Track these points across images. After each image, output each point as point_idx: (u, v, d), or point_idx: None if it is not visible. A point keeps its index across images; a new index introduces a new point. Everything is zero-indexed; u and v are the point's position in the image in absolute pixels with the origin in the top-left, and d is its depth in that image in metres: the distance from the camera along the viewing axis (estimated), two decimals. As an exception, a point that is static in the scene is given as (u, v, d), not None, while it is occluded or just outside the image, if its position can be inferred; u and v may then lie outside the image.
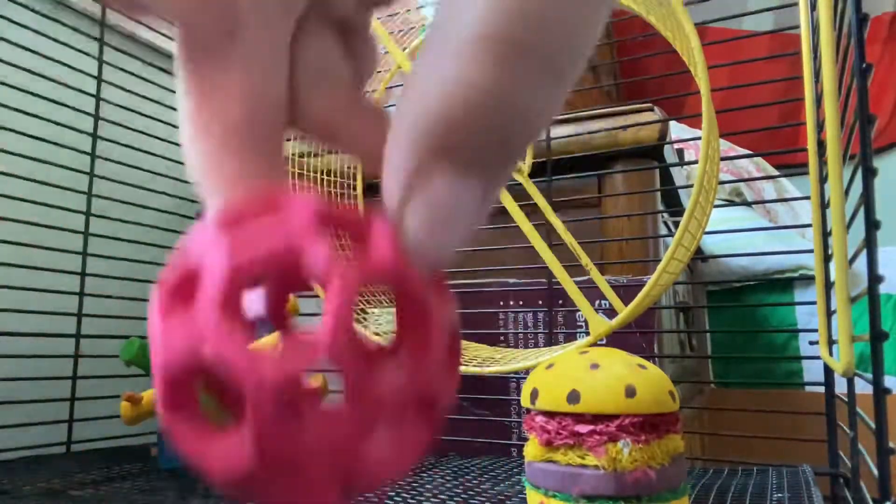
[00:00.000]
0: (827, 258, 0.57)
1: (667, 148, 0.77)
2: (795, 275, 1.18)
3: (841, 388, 0.60)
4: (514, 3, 0.11)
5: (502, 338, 0.74)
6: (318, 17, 0.14)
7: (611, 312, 0.68)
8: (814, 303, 0.59)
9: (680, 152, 0.94)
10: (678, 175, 0.88)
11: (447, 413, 0.12)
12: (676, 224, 0.97)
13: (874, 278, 0.45)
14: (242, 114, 0.13)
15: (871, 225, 0.46)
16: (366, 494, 0.10)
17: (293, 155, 0.76)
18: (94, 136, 0.79)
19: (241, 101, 0.13)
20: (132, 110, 0.84)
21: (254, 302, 0.12)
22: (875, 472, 0.46)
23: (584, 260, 0.61)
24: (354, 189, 0.83)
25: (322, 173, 0.79)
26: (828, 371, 0.63)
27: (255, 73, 0.13)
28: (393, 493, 0.54)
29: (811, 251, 0.59)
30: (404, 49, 0.76)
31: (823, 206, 0.58)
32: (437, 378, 0.12)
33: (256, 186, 0.13)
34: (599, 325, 0.57)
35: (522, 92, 0.11)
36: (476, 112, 0.11)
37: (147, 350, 0.66)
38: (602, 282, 0.61)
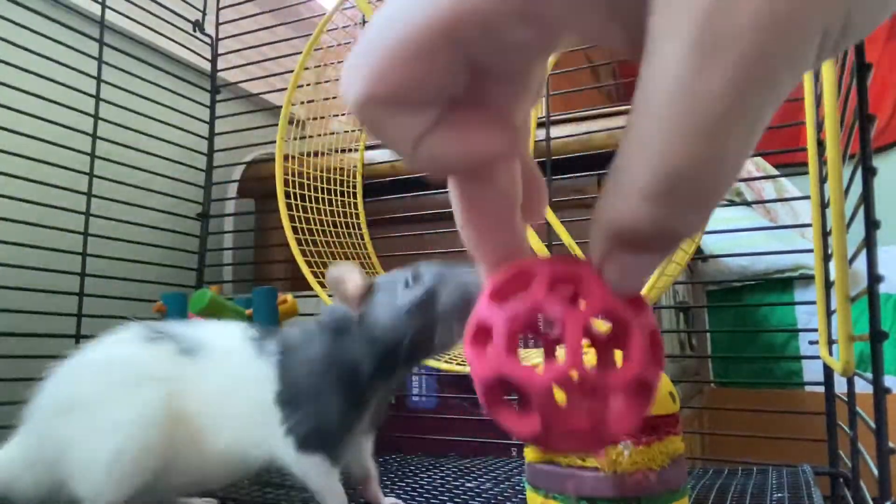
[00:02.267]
0: (827, 258, 0.56)
1: (667, 148, 0.77)
2: (795, 274, 1.18)
3: (841, 387, 0.60)
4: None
5: (502, 338, 0.74)
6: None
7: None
8: (814, 302, 0.58)
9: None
10: (678, 175, 0.88)
11: (654, 391, 0.18)
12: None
13: (874, 278, 0.45)
14: (498, 213, 0.20)
15: (871, 224, 0.46)
16: (613, 442, 0.20)
17: (294, 155, 0.76)
18: (94, 137, 0.79)
19: (497, 205, 0.20)
20: (132, 110, 0.84)
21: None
22: (875, 471, 0.46)
23: (584, 260, 0.60)
24: (354, 188, 0.83)
25: (324, 171, 0.79)
26: (827, 371, 0.63)
27: (506, 190, 0.20)
28: (393, 495, 0.54)
29: (811, 251, 0.59)
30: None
31: (823, 205, 0.58)
32: (647, 367, 0.18)
33: (510, 258, 0.20)
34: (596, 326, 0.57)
35: (682, 223, 0.15)
36: (644, 233, 0.16)
37: (219, 302, 0.67)
38: (602, 282, 0.60)
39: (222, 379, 0.48)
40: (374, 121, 0.17)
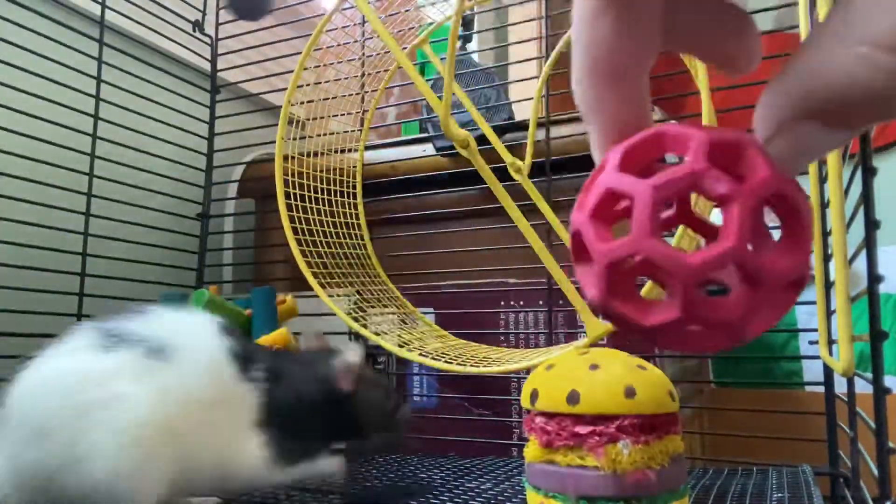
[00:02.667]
0: (826, 258, 0.56)
1: (667, 148, 0.77)
2: (795, 274, 1.17)
3: (841, 387, 0.60)
4: None
5: (502, 338, 0.74)
6: None
7: (611, 312, 0.67)
8: (814, 302, 0.58)
9: (680, 152, 0.94)
10: (678, 175, 0.88)
11: (804, 287, 0.16)
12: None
13: (874, 278, 0.45)
14: (636, 58, 0.16)
15: (871, 224, 0.46)
16: (745, 340, 0.17)
17: (294, 155, 0.76)
18: (94, 137, 0.79)
19: (638, 47, 0.16)
20: (132, 110, 0.84)
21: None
22: (875, 471, 0.46)
23: (584, 260, 0.60)
24: (354, 188, 0.83)
25: (324, 171, 0.79)
26: (828, 371, 0.63)
27: (653, 28, 0.16)
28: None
29: (811, 251, 0.59)
30: (404, 49, 0.76)
31: (823, 205, 0.58)
32: (806, 261, 0.16)
33: (636, 121, 0.17)
34: (596, 327, 0.57)
35: None
36: (867, 96, 0.13)
37: (217, 302, 0.68)
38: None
39: (204, 390, 0.47)
40: None
